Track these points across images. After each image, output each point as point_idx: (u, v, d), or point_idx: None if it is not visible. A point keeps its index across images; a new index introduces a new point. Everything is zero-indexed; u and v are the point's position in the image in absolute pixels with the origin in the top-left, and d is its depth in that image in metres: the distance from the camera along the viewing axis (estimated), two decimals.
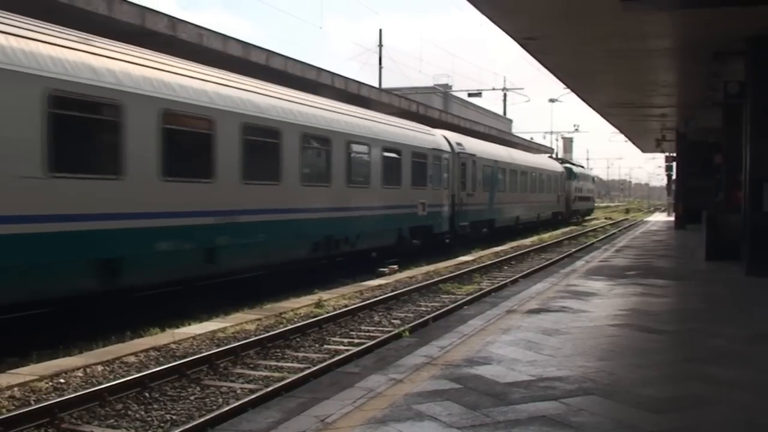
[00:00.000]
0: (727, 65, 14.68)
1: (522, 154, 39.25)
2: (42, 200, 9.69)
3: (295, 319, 12.19)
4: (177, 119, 12.15)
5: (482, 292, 15.46)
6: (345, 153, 17.73)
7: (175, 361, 9.00)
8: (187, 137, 12.65)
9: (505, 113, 72.54)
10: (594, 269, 15.50)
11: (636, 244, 23.36)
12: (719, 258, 16.27)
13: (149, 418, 7.25)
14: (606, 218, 62.41)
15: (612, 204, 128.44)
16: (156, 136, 11.61)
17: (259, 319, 12.00)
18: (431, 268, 19.98)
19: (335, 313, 12.52)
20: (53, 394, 7.76)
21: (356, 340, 10.89)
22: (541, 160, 45.21)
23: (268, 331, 10.98)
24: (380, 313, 13.16)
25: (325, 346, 10.57)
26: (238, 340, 10.27)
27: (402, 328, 11.22)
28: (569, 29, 13.60)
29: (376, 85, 40.48)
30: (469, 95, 50.69)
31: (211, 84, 13.19)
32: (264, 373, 8.99)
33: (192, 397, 7.96)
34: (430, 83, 57.76)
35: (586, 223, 52.68)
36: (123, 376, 8.35)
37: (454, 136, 27.10)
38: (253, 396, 7.61)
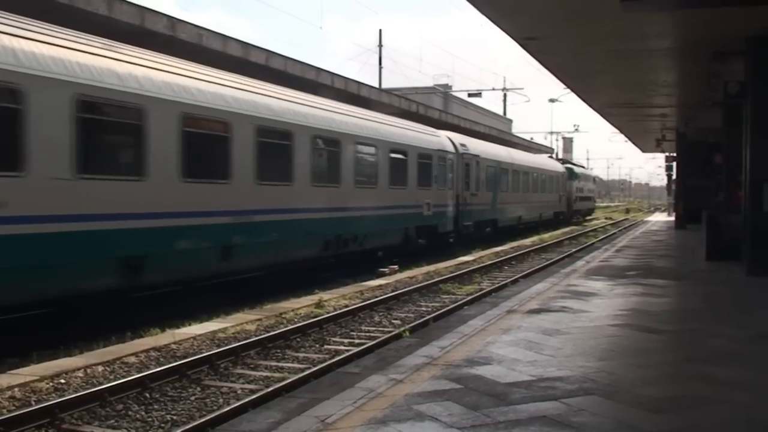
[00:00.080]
0: (727, 65, 14.68)
1: (524, 155, 39.32)
2: (70, 201, 10.07)
3: (296, 320, 12.19)
4: (196, 122, 12.55)
5: (483, 292, 15.46)
6: (353, 154, 18.08)
7: (176, 361, 9.00)
8: (205, 140, 13.01)
9: (505, 113, 72.56)
10: (594, 269, 15.50)
11: (636, 244, 23.36)
12: (719, 258, 16.27)
13: (150, 419, 7.26)
14: (606, 218, 62.42)
15: (612, 204, 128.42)
16: (176, 139, 11.99)
17: (260, 320, 12.01)
18: (431, 268, 19.99)
19: (336, 313, 12.52)
20: (54, 395, 7.77)
21: (357, 341, 10.90)
22: (543, 161, 45.26)
23: (268, 332, 10.99)
24: (381, 314, 13.16)
25: (326, 347, 10.58)
26: (239, 341, 10.27)
27: (402, 329, 11.22)
28: (569, 29, 13.60)
29: (377, 85, 40.50)
30: (469, 95, 50.72)
31: (227, 88, 13.59)
32: (264, 374, 8.99)
33: (192, 398, 7.96)
34: (430, 83, 57.76)
35: (586, 223, 52.69)
36: (123, 377, 8.36)
37: (458, 137, 27.22)
38: (253, 396, 7.61)
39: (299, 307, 13.25)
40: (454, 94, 60.23)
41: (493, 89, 54.93)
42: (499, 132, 51.45)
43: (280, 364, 9.48)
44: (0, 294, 9.24)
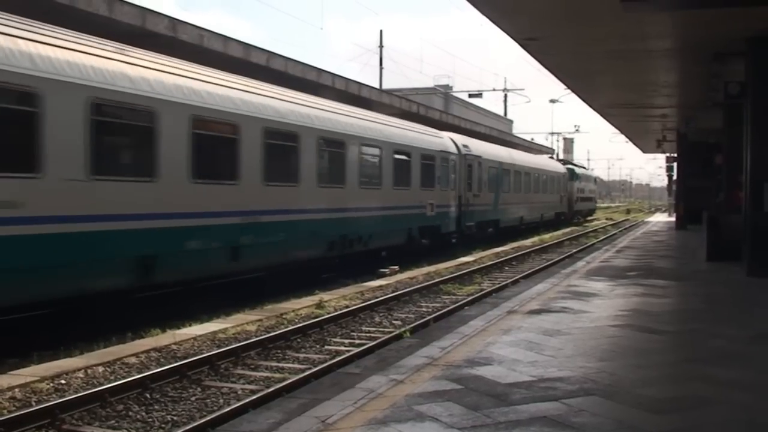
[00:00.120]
0: (728, 66, 14.69)
1: (525, 156, 39.37)
2: (84, 201, 10.23)
3: (296, 320, 12.20)
4: (205, 124, 12.73)
5: (483, 292, 15.46)
6: (358, 155, 18.26)
7: (176, 361, 9.01)
8: (215, 141, 13.20)
9: (505, 114, 72.46)
10: (595, 270, 15.50)
11: (637, 245, 23.35)
12: (720, 258, 16.27)
13: (150, 419, 7.26)
14: (607, 219, 62.39)
15: (613, 204, 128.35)
16: (186, 141, 12.17)
17: (260, 320, 12.01)
18: (432, 268, 20.00)
19: (336, 313, 12.53)
20: (54, 395, 7.77)
21: (357, 341, 10.90)
22: (544, 162, 45.28)
23: (269, 332, 10.99)
24: (381, 314, 13.16)
25: (326, 347, 10.58)
26: (239, 341, 10.28)
27: (403, 329, 11.23)
28: (570, 30, 13.61)
29: (377, 85, 40.50)
30: (470, 96, 50.77)
31: (235, 90, 13.75)
32: (265, 374, 9.00)
33: (193, 398, 7.96)
34: (430, 84, 57.70)
35: (587, 224, 52.67)
36: (124, 377, 8.36)
37: (461, 138, 27.32)
38: (254, 397, 7.62)
39: (300, 307, 13.26)
40: (455, 94, 60.19)
41: (494, 90, 55.16)
42: (500, 133, 51.41)
43: (280, 365, 9.48)
44: (18, 293, 9.39)
